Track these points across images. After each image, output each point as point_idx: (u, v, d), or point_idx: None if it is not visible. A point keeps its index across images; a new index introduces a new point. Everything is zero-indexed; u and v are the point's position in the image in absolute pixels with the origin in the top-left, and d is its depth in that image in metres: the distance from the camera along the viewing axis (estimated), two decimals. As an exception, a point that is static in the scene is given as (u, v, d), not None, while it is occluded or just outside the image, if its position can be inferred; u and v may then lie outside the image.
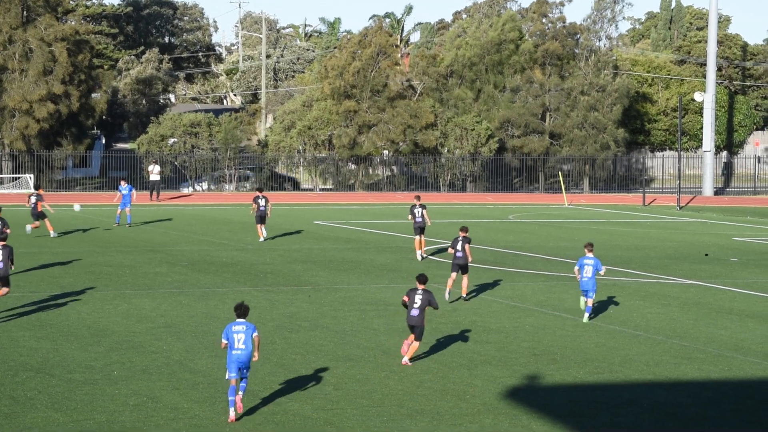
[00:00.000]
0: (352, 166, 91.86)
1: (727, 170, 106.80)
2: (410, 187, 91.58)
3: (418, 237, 41.11)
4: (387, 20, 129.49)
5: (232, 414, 18.23)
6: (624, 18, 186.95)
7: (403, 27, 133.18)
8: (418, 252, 41.00)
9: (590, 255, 28.83)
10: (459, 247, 31.08)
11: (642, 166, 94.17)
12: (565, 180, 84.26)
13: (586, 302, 28.52)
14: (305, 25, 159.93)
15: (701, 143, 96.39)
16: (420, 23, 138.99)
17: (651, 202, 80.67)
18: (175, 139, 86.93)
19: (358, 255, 41.96)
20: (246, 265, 38.45)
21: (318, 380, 20.99)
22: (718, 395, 20.80)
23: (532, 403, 19.63)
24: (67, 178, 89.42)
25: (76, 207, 54.36)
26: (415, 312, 22.68)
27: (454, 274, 31.05)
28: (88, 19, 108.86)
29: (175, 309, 28.83)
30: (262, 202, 46.50)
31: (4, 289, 27.26)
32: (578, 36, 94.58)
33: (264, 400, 19.35)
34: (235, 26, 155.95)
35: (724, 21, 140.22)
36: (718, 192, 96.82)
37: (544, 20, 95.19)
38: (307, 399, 19.56)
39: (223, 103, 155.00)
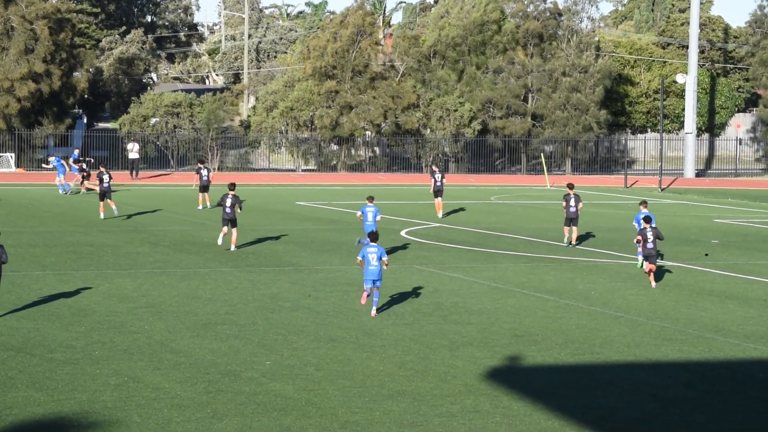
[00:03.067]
0: (335, 147, 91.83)
1: (710, 152, 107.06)
2: (392, 168, 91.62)
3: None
4: (369, 0, 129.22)
5: (367, 303, 25.87)
6: None
7: (385, 8, 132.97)
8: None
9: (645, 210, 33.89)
10: (572, 203, 38.39)
11: (624, 147, 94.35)
12: (547, 161, 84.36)
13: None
14: (286, 5, 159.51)
15: (683, 125, 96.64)
16: (402, 2, 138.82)
17: (633, 184, 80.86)
18: (157, 119, 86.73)
19: (341, 236, 41.96)
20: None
21: (299, 360, 21.00)
22: (697, 376, 20.89)
23: (513, 384, 19.69)
24: (48, 156, 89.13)
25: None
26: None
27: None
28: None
29: (157, 289, 28.79)
30: (204, 172, 52.75)
31: None
32: (561, 17, 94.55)
33: (245, 381, 19.36)
34: (218, 6, 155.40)
35: (706, 3, 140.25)
36: (699, 174, 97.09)
37: (525, 1, 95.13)
38: (289, 379, 19.57)
39: (205, 84, 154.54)
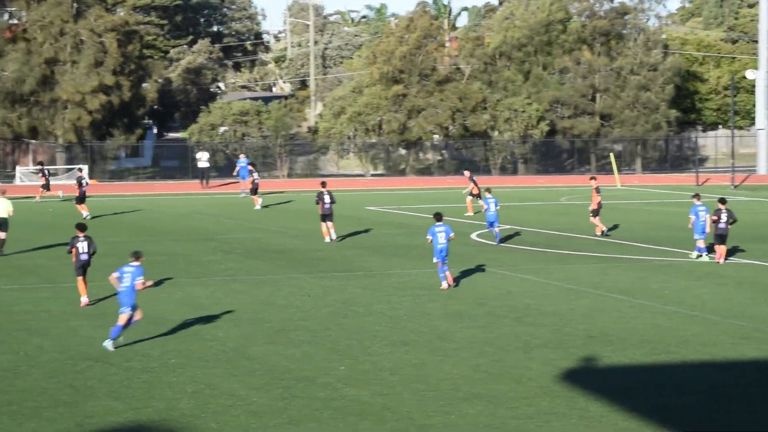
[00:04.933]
0: (403, 151, 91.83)
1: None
2: (460, 171, 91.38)
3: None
4: (434, 5, 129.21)
5: (444, 284, 29.42)
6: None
7: (450, 11, 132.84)
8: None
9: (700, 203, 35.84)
10: (724, 218, 34.90)
11: (694, 145, 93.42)
12: (616, 161, 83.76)
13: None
14: (349, 11, 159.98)
15: (754, 121, 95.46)
16: (466, 7, 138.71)
17: (704, 182, 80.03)
18: (226, 128, 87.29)
19: (411, 240, 41.95)
20: (299, 251, 38.57)
21: (374, 365, 21.03)
22: (776, 375, 20.64)
23: (589, 385, 19.57)
24: (120, 168, 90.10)
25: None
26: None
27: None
28: (137, 9, 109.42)
29: (230, 296, 28.97)
30: (255, 175, 57.91)
31: None
32: (627, 16, 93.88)
33: (321, 386, 19.41)
34: (283, 13, 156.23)
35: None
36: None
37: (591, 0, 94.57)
38: (364, 384, 19.61)
39: (272, 91, 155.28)
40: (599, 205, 42.85)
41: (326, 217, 41.42)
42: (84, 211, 50.52)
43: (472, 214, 51.96)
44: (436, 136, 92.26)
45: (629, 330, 24.49)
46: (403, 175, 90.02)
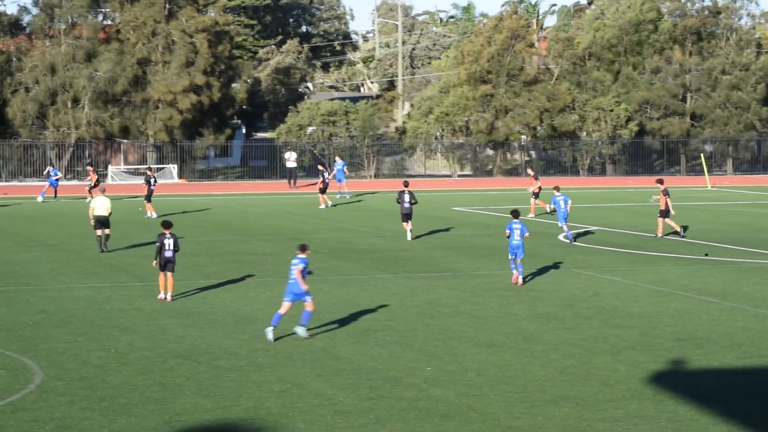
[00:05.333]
0: (490, 152, 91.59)
1: None
2: (549, 172, 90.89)
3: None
4: (522, 5, 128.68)
5: (514, 276, 30.83)
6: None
7: (538, 11, 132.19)
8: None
9: None
10: None
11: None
12: (707, 162, 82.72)
13: None
14: (438, 11, 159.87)
15: None
16: (555, 5, 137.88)
17: (797, 183, 78.73)
18: (314, 128, 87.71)
19: (498, 241, 41.78)
20: (385, 252, 38.64)
21: (460, 366, 21.00)
22: None
23: (678, 388, 19.36)
24: (209, 167, 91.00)
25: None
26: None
27: None
28: (227, 10, 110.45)
29: (317, 296, 29.02)
30: (326, 175, 56.88)
31: None
32: (719, 15, 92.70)
33: (407, 387, 19.43)
34: (371, 14, 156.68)
35: None
36: None
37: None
38: (450, 385, 19.59)
39: (360, 91, 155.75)
40: (666, 206, 42.25)
41: (406, 216, 41.79)
42: (150, 211, 50.26)
43: (533, 215, 50.91)
44: (523, 137, 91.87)
45: (720, 333, 24.19)
46: (491, 175, 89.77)
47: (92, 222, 37.66)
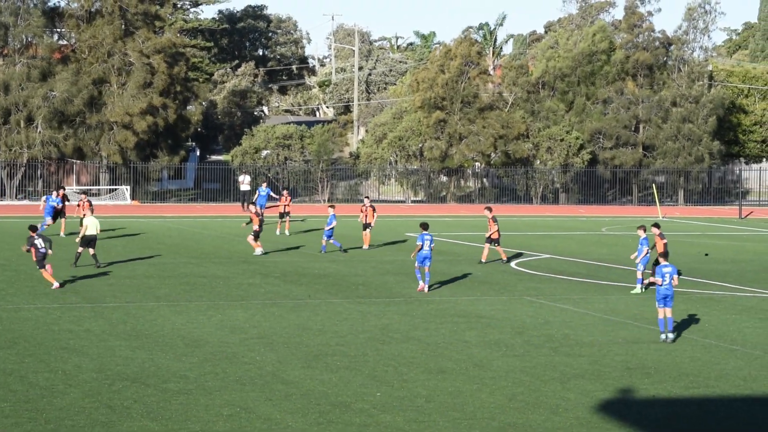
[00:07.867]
0: (444, 178, 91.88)
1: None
2: (501, 200, 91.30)
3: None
4: (480, 32, 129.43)
5: (420, 285, 34.64)
6: (720, 29, 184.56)
7: (495, 39, 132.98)
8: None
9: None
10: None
11: (738, 178, 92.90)
12: (658, 192, 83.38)
13: None
14: (396, 37, 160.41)
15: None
16: (512, 35, 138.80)
17: (747, 215, 79.53)
18: (268, 151, 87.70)
19: (450, 267, 41.92)
20: (338, 276, 38.63)
21: (410, 392, 21.00)
22: (816, 412, 20.43)
23: (626, 418, 19.45)
24: (163, 189, 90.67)
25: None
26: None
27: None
28: (184, 33, 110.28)
29: (268, 320, 29.04)
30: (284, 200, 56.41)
31: None
32: (671, 46, 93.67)
33: (356, 412, 19.41)
34: (328, 38, 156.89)
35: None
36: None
37: (634, 30, 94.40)
38: (400, 411, 19.59)
39: (315, 115, 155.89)
40: (665, 248, 40.01)
41: (366, 226, 48.28)
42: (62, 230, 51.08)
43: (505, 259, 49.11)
44: (477, 164, 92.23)
45: (668, 363, 24.34)
46: (444, 202, 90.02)
47: (78, 240, 39.38)
